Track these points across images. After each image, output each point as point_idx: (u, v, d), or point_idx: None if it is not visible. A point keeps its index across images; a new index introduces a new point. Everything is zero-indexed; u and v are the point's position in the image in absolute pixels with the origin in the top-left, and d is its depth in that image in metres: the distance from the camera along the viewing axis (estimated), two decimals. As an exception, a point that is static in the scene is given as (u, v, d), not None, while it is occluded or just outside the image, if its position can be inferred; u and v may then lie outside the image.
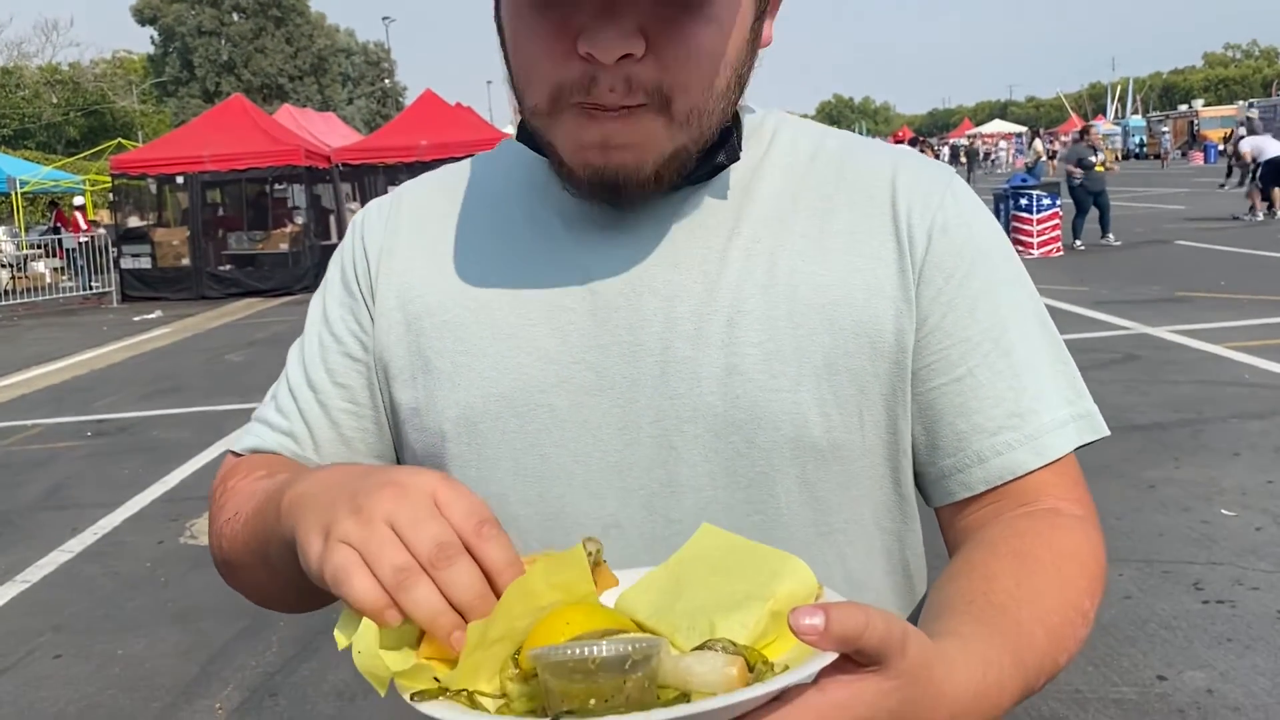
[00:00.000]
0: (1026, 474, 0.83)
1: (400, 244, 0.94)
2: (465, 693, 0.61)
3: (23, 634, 4.08)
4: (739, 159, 0.87)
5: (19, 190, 19.94)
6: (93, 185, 21.96)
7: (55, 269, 18.60)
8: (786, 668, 0.59)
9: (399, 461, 0.96)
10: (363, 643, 0.60)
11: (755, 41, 0.83)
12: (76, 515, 5.53)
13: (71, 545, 5.08)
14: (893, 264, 0.85)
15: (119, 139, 24.60)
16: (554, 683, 0.57)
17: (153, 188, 17.45)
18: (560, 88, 0.77)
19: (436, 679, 0.62)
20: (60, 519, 5.51)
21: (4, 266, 17.90)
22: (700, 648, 0.61)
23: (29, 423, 7.96)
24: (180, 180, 16.53)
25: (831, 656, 0.57)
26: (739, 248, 0.86)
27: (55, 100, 48.47)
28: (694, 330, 0.84)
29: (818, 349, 0.83)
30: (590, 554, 0.69)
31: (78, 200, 21.39)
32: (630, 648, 0.57)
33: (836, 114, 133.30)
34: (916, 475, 0.89)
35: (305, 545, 0.66)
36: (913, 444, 0.87)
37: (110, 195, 18.76)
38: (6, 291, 17.00)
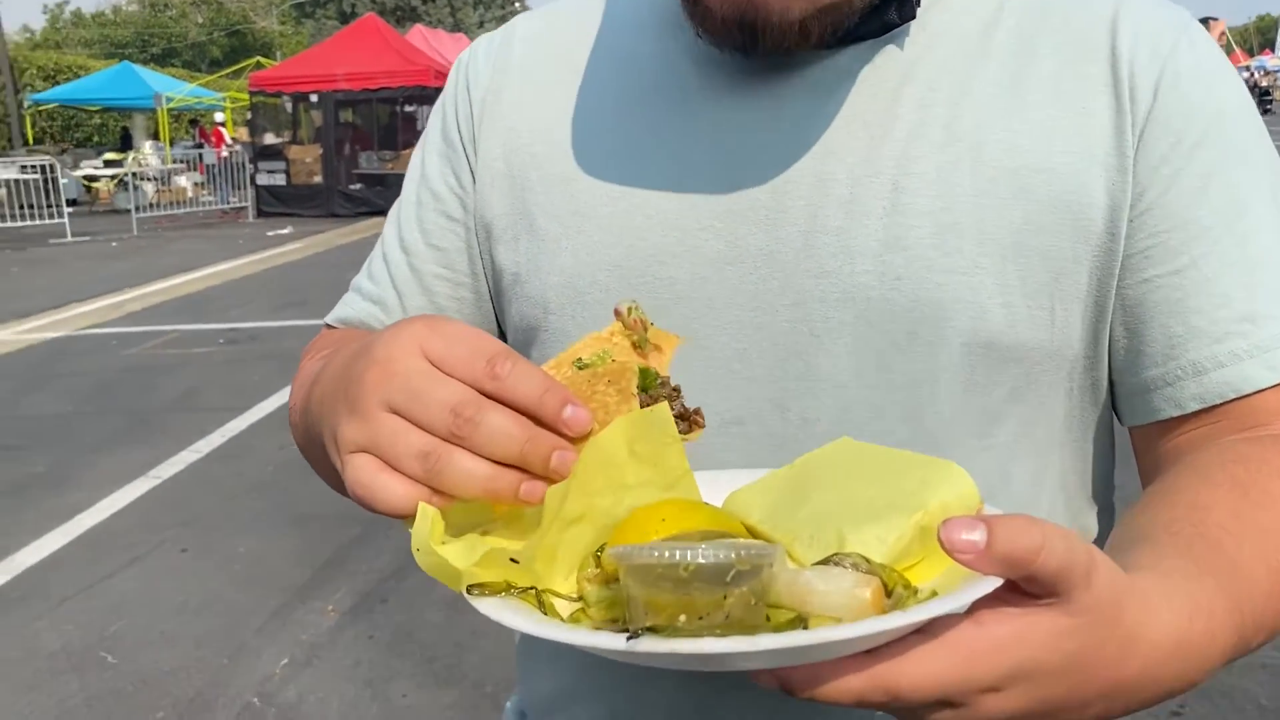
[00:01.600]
0: (1255, 392, 0.67)
1: (510, 85, 0.82)
2: (534, 590, 0.50)
3: (153, 527, 4.23)
4: (915, 17, 0.71)
5: (164, 106, 20.61)
6: (232, 103, 22.56)
7: (196, 183, 19.24)
8: (934, 595, 0.47)
9: (503, 336, 0.85)
10: (420, 539, 0.50)
11: None
12: (206, 418, 5.70)
13: (200, 446, 5.24)
14: (1108, 121, 0.69)
15: (258, 58, 25.20)
16: (638, 590, 0.46)
17: (288, 106, 17.81)
18: None
19: (514, 559, 0.50)
20: (191, 421, 5.69)
21: (150, 180, 18.61)
22: (824, 562, 0.49)
23: (167, 328, 8.25)
24: (314, 99, 16.81)
25: (995, 583, 0.45)
26: (912, 97, 0.71)
27: (200, 20, 49.95)
28: (849, 194, 0.69)
29: (1004, 224, 0.68)
30: (627, 314, 0.56)
31: (219, 116, 22.07)
32: (735, 555, 0.45)
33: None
34: (1111, 384, 0.74)
35: (333, 462, 0.56)
36: (1110, 346, 0.71)
37: (248, 113, 19.23)
38: (152, 204, 17.67)
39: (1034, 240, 0.68)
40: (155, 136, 22.03)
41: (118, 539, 4.13)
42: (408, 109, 17.42)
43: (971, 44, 0.72)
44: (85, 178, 19.53)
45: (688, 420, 0.56)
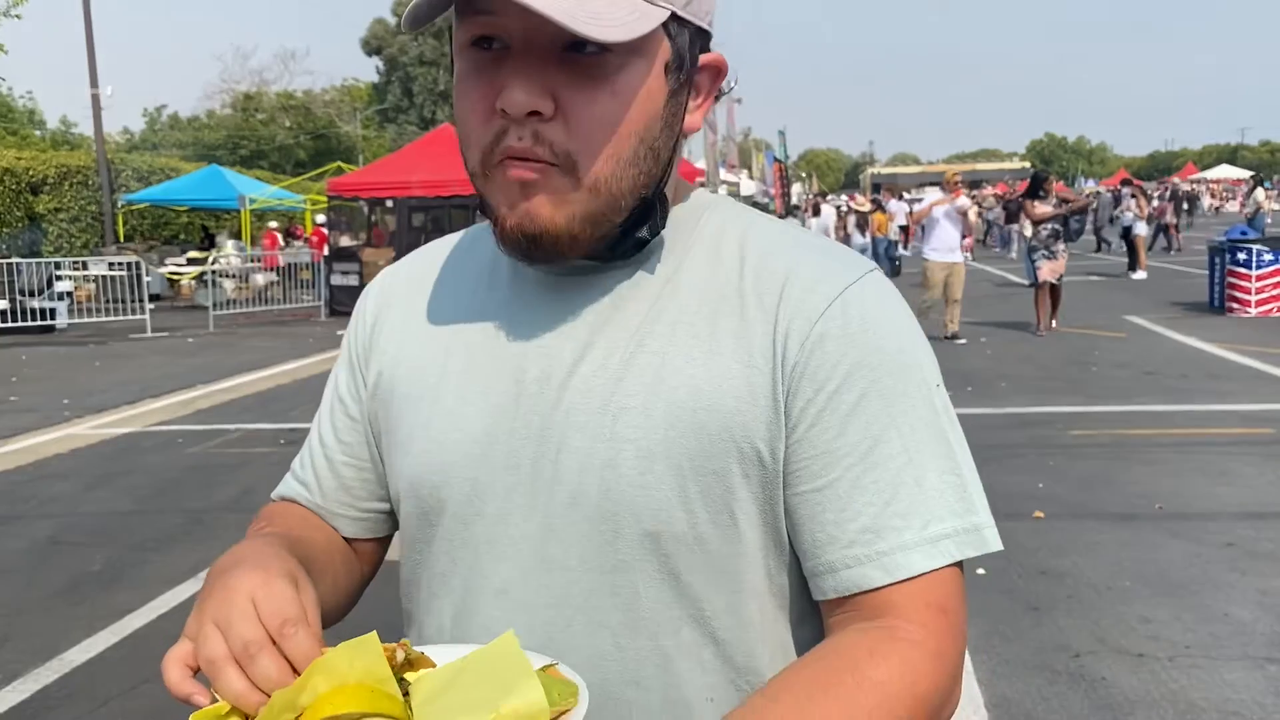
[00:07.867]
0: (873, 590, 0.84)
1: (392, 316, 1.05)
2: None
3: (196, 630, 4.36)
4: (659, 234, 0.92)
5: (248, 208, 21.52)
6: (313, 205, 23.50)
7: (273, 282, 19.98)
8: None
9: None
10: None
11: (673, 121, 0.89)
12: (259, 520, 5.88)
13: (250, 549, 5.39)
14: (768, 373, 0.87)
15: (339, 163, 26.24)
16: None
17: (365, 209, 18.53)
18: (486, 148, 0.86)
19: None
20: (244, 522, 5.76)
21: (230, 278, 19.37)
22: None
23: (232, 427, 8.56)
24: (389, 204, 17.48)
25: None
26: (639, 344, 0.91)
27: (288, 124, 52.29)
28: (586, 421, 0.90)
29: (684, 451, 0.87)
30: (398, 655, 0.77)
31: (272, 224, 23.02)
32: None
33: (1048, 154, 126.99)
34: None
35: None
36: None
37: (329, 214, 20.02)
38: (231, 300, 18.36)
39: (708, 464, 0.87)
40: (238, 236, 22.97)
41: (163, 641, 4.26)
42: (479, 215, 18.02)
43: (693, 297, 0.92)
44: (169, 274, 20.39)
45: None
